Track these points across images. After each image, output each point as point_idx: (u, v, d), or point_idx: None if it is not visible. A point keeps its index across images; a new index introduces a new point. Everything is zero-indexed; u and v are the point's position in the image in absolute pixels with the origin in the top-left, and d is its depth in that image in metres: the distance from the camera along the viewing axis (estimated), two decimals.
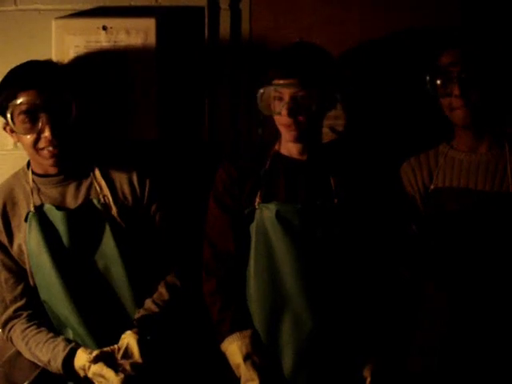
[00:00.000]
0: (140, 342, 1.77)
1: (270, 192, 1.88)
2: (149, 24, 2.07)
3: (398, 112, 2.11)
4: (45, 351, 1.83)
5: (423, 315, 1.85)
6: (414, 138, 2.07)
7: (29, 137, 1.82)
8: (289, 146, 1.92)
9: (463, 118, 1.85)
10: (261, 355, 1.81)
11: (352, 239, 1.86)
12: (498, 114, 1.91)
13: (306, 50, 1.88)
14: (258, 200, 1.88)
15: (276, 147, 1.95)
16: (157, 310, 1.88)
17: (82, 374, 1.78)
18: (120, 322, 1.87)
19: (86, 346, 1.83)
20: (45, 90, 1.80)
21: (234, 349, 1.81)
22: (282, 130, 1.88)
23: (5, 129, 1.88)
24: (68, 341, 1.85)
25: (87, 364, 1.76)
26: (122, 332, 1.82)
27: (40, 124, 1.80)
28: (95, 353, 1.76)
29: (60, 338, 1.85)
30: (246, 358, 1.79)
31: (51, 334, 1.87)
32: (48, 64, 1.91)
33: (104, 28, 2.08)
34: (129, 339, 1.78)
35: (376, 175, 1.95)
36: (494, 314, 1.79)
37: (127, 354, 1.77)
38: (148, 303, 1.90)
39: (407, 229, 1.92)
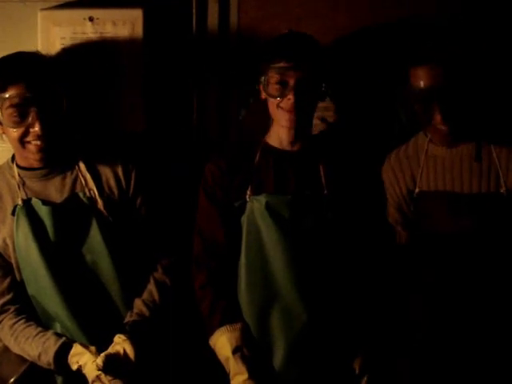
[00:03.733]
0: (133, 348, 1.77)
1: (260, 184, 1.88)
2: (136, 15, 2.05)
3: (386, 103, 2.10)
4: (34, 345, 1.83)
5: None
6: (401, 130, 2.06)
7: (15, 130, 1.80)
8: (280, 136, 1.92)
9: (445, 137, 1.82)
10: (251, 348, 1.81)
11: (342, 229, 1.86)
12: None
13: (303, 37, 1.89)
14: (248, 192, 1.88)
15: (265, 138, 1.95)
16: (148, 313, 1.87)
17: (75, 367, 1.78)
18: (109, 316, 1.88)
19: (74, 340, 1.82)
20: (34, 83, 1.78)
21: (223, 342, 1.80)
22: (281, 114, 1.87)
23: None
24: (58, 335, 1.85)
25: (91, 365, 1.75)
26: (111, 326, 1.82)
27: (30, 118, 1.78)
28: (101, 358, 1.74)
29: (50, 333, 1.85)
30: (235, 350, 1.79)
31: (40, 329, 1.86)
32: (36, 56, 1.89)
33: (90, 19, 2.05)
34: (124, 345, 1.77)
35: (365, 166, 1.95)
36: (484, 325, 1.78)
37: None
38: (139, 305, 1.89)
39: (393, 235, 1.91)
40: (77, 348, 1.80)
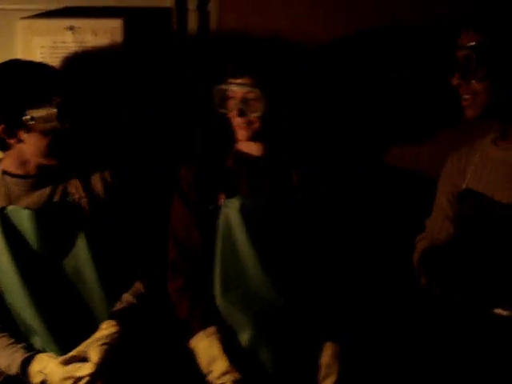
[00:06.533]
0: (121, 334, 1.77)
1: (234, 189, 1.90)
2: (116, 25, 2.06)
3: (365, 111, 2.13)
4: (4, 356, 1.80)
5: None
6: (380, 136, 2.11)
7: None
8: (247, 144, 1.93)
9: (467, 111, 1.71)
10: (237, 348, 1.81)
11: (315, 233, 1.87)
12: None
13: (263, 49, 1.91)
14: (222, 196, 1.88)
15: (237, 145, 1.97)
16: (136, 302, 1.87)
17: (38, 379, 1.75)
18: (88, 329, 1.84)
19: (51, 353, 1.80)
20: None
21: (206, 344, 1.80)
22: (235, 128, 1.90)
23: (3, 134, 1.82)
24: (29, 348, 1.82)
25: (53, 367, 1.73)
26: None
27: None
28: (63, 357, 1.74)
29: (20, 345, 1.82)
30: (222, 350, 1.78)
31: (12, 340, 1.83)
32: (50, 68, 1.89)
33: (71, 28, 2.06)
34: (110, 329, 1.77)
35: (339, 171, 1.97)
36: None
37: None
38: (126, 296, 1.88)
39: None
40: (40, 358, 1.78)
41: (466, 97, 1.70)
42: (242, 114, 1.84)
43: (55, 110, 1.78)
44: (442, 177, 1.89)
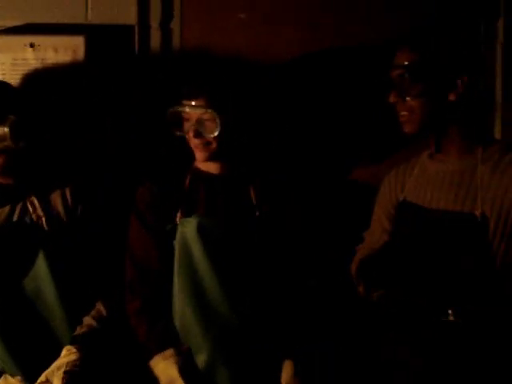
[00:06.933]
0: (83, 359, 1.75)
1: (191, 207, 1.90)
2: (78, 42, 2.06)
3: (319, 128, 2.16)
4: None
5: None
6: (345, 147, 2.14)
7: None
8: (205, 163, 1.94)
9: (404, 127, 1.79)
10: (195, 370, 1.80)
11: (274, 248, 1.87)
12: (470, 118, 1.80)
13: (219, 68, 1.93)
14: (179, 216, 1.88)
15: (195, 163, 1.97)
16: (97, 325, 1.85)
17: None
18: (50, 350, 1.82)
19: (12, 374, 1.78)
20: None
21: (164, 366, 1.79)
22: (193, 149, 1.90)
23: None
24: None
25: None
26: (52, 360, 1.77)
27: None
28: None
29: None
30: (180, 372, 1.77)
31: None
32: (7, 85, 1.88)
33: (31, 45, 2.05)
34: (71, 356, 1.74)
35: (297, 186, 1.98)
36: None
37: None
38: (87, 320, 1.86)
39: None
40: (6, 379, 1.77)
41: (403, 113, 1.77)
42: (198, 135, 1.85)
43: (7, 130, 1.76)
44: (381, 191, 1.96)
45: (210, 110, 1.82)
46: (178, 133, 1.90)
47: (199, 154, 1.89)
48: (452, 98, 1.75)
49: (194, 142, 1.87)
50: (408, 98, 1.75)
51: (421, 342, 1.73)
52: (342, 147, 2.17)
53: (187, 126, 1.88)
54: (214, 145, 1.87)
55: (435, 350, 1.71)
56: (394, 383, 1.74)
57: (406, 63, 1.74)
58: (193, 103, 1.85)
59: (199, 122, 1.85)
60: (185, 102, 1.86)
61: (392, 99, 1.78)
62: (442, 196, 1.77)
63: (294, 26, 2.13)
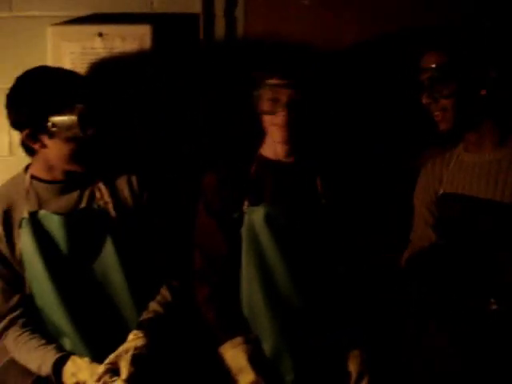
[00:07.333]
0: (150, 345, 1.78)
1: (257, 195, 1.90)
2: (144, 31, 2.08)
3: (390, 114, 2.13)
4: (35, 357, 1.82)
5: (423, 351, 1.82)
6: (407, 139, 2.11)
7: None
8: (275, 148, 1.94)
9: (440, 125, 1.85)
10: (263, 359, 1.82)
11: (340, 237, 1.88)
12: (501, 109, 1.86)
13: (302, 51, 1.92)
14: (246, 204, 1.89)
15: (260, 151, 1.97)
16: (162, 311, 1.88)
17: (71, 381, 1.77)
18: (118, 331, 1.86)
19: (82, 356, 1.81)
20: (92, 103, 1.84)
21: (233, 353, 1.81)
22: (274, 130, 1.89)
23: (27, 139, 1.85)
24: (60, 349, 1.84)
25: (87, 374, 1.74)
26: (120, 341, 1.81)
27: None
28: (102, 369, 1.74)
29: (52, 346, 1.84)
30: (250, 360, 1.79)
31: (44, 341, 1.85)
32: (76, 75, 1.91)
33: (100, 35, 2.08)
34: (137, 342, 1.77)
35: (363, 176, 1.98)
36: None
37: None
38: (153, 305, 1.89)
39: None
40: (75, 360, 1.80)
41: (437, 113, 1.84)
42: (290, 114, 1.84)
43: (76, 118, 1.79)
44: (418, 187, 2.00)
45: (300, 90, 1.82)
46: (267, 112, 1.87)
47: (280, 135, 1.87)
48: (483, 92, 1.81)
49: (283, 121, 1.85)
50: (440, 98, 1.82)
51: (463, 331, 1.75)
52: (400, 136, 2.15)
53: (273, 105, 1.85)
54: (297, 127, 1.86)
55: (478, 339, 1.73)
56: (433, 371, 1.77)
57: (435, 65, 1.81)
58: (286, 82, 1.82)
59: (291, 101, 1.83)
60: (275, 82, 1.84)
61: (425, 101, 1.84)
62: (482, 186, 1.81)
63: (357, 13, 2.12)
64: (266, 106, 1.87)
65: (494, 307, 1.74)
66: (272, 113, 1.86)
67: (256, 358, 1.81)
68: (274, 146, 1.94)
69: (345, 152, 2.07)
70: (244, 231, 1.87)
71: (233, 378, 1.81)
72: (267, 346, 1.84)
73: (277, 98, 1.85)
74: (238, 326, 1.86)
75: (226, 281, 1.89)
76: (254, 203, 1.88)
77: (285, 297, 1.84)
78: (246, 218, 1.87)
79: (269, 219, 1.84)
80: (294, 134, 1.88)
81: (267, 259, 1.85)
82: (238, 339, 1.83)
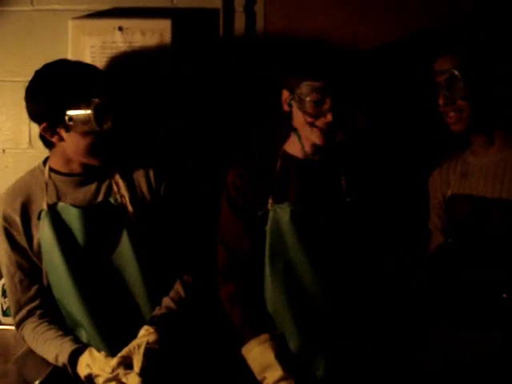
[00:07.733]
0: (161, 340, 1.78)
1: (282, 193, 1.89)
2: (164, 25, 2.08)
3: (412, 112, 2.11)
4: (52, 348, 1.84)
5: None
6: (429, 138, 2.09)
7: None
8: (302, 147, 1.91)
9: (454, 127, 1.85)
10: (289, 355, 1.82)
11: (365, 235, 1.87)
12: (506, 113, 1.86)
13: (335, 53, 1.91)
14: (270, 201, 1.88)
15: (284, 147, 1.96)
16: (175, 307, 1.88)
17: (85, 371, 1.78)
18: (133, 324, 1.87)
19: (97, 348, 1.83)
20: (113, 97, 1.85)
21: (262, 349, 1.80)
22: (313, 131, 1.85)
23: (45, 132, 1.86)
24: (76, 340, 1.86)
25: (102, 366, 1.76)
26: (135, 334, 1.82)
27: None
28: (116, 361, 1.75)
29: (69, 337, 1.86)
30: (277, 356, 1.78)
31: (61, 332, 1.87)
32: (95, 68, 1.91)
33: (120, 29, 2.09)
34: (149, 337, 1.78)
35: (388, 173, 1.96)
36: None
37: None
38: (166, 301, 1.90)
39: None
40: (91, 352, 1.81)
41: (452, 114, 1.84)
42: (334, 116, 1.81)
43: (92, 112, 1.79)
44: (430, 192, 1.99)
45: (342, 94, 1.81)
46: (311, 115, 1.83)
47: (320, 137, 1.84)
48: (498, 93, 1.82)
49: (326, 124, 1.82)
50: (457, 99, 1.82)
51: (476, 328, 1.76)
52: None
53: (317, 108, 1.81)
54: (335, 129, 1.85)
55: (490, 336, 1.74)
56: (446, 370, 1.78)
57: (450, 68, 1.80)
58: (332, 87, 1.80)
59: (335, 105, 1.80)
60: (321, 86, 1.80)
61: (441, 102, 1.84)
62: (488, 187, 1.82)
63: (382, 7, 2.10)
64: (308, 107, 1.82)
65: (507, 303, 1.74)
66: (317, 116, 1.83)
67: (283, 355, 1.80)
68: (301, 145, 1.91)
69: (369, 150, 2.05)
70: (269, 229, 1.86)
71: (258, 376, 1.81)
72: (294, 345, 1.84)
73: (321, 101, 1.81)
74: (263, 323, 1.85)
75: (250, 278, 1.89)
76: (279, 201, 1.87)
77: (310, 295, 1.83)
78: (271, 215, 1.86)
79: (295, 217, 1.83)
80: (333, 137, 1.86)
81: (292, 257, 1.84)
82: (265, 336, 1.82)
